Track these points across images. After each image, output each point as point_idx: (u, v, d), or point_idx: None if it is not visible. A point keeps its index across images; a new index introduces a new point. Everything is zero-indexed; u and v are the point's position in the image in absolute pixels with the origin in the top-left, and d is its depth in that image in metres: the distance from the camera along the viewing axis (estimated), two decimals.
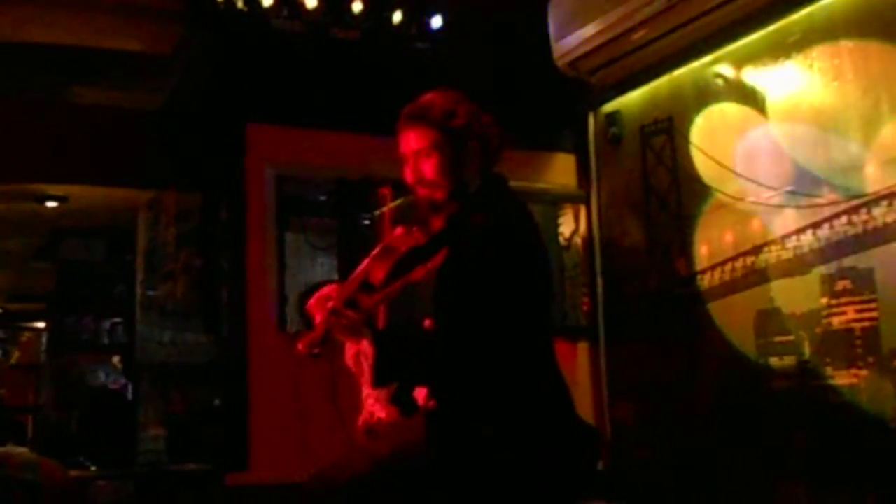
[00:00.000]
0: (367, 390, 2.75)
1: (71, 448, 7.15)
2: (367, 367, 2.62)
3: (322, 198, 6.75)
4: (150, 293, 7.78)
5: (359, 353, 2.64)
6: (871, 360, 4.81)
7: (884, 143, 4.82)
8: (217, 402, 6.17)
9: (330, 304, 2.65)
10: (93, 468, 6.37)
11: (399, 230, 2.75)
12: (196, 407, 6.74)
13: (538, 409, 2.63)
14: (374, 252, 2.70)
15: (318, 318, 2.67)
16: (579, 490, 2.67)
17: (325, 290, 2.72)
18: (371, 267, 2.68)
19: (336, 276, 6.57)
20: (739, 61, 5.67)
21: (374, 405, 2.78)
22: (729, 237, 5.68)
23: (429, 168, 2.74)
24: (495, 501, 2.54)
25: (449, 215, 2.74)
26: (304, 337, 2.67)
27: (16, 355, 10.67)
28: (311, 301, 2.70)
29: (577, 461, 2.66)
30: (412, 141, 2.77)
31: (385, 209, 3.05)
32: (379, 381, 2.65)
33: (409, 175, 2.79)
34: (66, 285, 8.69)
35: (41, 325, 9.70)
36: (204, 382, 6.55)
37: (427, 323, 2.66)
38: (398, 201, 2.96)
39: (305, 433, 5.59)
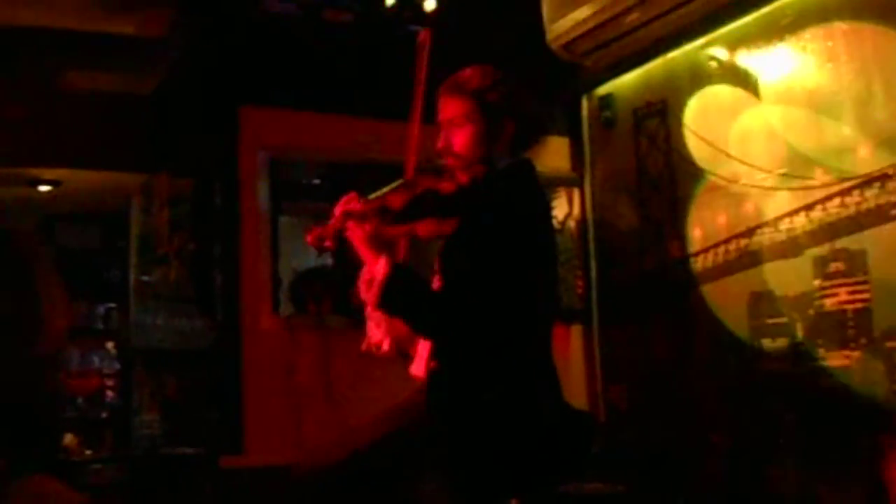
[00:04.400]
0: (369, 310, 2.74)
1: None
2: (375, 289, 2.60)
3: (316, 181, 6.75)
4: (144, 278, 7.77)
5: (372, 278, 2.62)
6: (863, 341, 4.82)
7: (876, 125, 4.83)
8: (211, 385, 6.18)
9: (352, 205, 2.64)
10: (88, 452, 6.39)
11: (428, 174, 2.78)
12: (190, 391, 6.75)
13: (538, 382, 2.65)
14: (396, 183, 2.73)
15: (338, 212, 2.65)
16: (575, 465, 2.68)
17: (348, 196, 2.69)
18: (391, 194, 2.69)
19: (330, 261, 6.58)
20: (733, 44, 5.67)
21: (373, 329, 2.78)
22: (722, 219, 5.69)
23: (459, 139, 2.76)
24: (492, 467, 2.55)
25: (472, 179, 2.74)
26: (315, 229, 2.66)
27: None
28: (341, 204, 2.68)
29: (574, 435, 2.68)
30: (447, 109, 2.79)
31: (423, 52, 3.00)
32: (383, 303, 2.61)
33: (440, 142, 2.80)
34: (59, 270, 8.67)
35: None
36: (198, 367, 6.55)
37: (435, 283, 2.68)
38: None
39: (299, 416, 5.63)
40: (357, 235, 2.61)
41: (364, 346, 2.82)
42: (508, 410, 2.57)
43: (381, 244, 2.62)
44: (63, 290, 1.96)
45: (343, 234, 2.63)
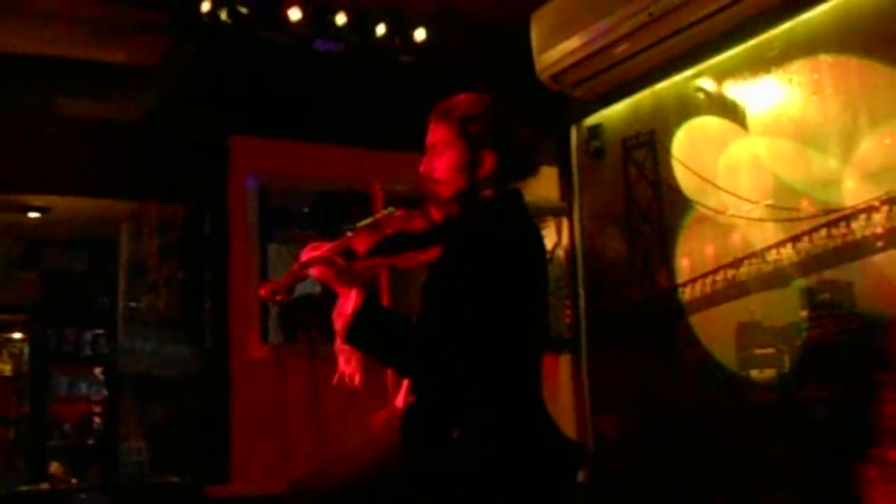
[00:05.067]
0: (338, 343, 2.71)
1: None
2: (342, 322, 2.57)
3: (305, 209, 6.75)
4: (133, 304, 7.75)
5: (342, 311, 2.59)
6: (850, 372, 4.84)
7: (863, 157, 4.86)
8: (199, 413, 6.16)
9: (311, 253, 2.62)
10: (73, 481, 6.35)
11: (399, 212, 2.74)
12: (178, 419, 6.72)
13: (521, 414, 2.62)
14: (363, 224, 2.69)
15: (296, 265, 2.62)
16: (561, 494, 2.64)
17: (310, 245, 2.66)
18: (356, 236, 2.67)
19: (318, 288, 6.57)
20: (720, 75, 5.71)
21: (342, 363, 2.75)
22: (710, 250, 5.71)
23: (439, 165, 2.72)
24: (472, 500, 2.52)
25: (447, 213, 2.73)
26: (269, 283, 2.62)
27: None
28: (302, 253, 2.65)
29: (550, 472, 2.64)
30: (431, 134, 2.77)
31: (377, 197, 3.03)
32: (351, 337, 2.57)
33: (422, 167, 2.78)
34: (47, 296, 8.64)
35: (19, 335, 9.64)
36: (186, 394, 6.53)
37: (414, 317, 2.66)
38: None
39: (287, 446, 5.61)
40: (325, 274, 2.59)
41: (336, 380, 2.79)
42: (488, 443, 2.53)
43: (354, 278, 2.59)
44: None
45: (306, 278, 2.61)
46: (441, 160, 2.72)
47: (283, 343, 6.24)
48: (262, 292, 2.61)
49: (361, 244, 2.64)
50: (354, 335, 2.56)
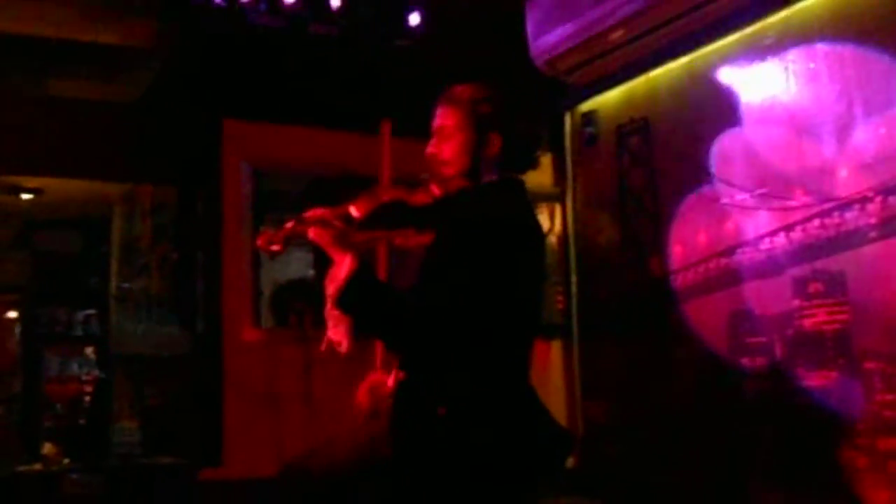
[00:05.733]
0: (328, 308, 2.73)
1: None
2: (335, 285, 2.58)
3: (298, 192, 6.74)
4: (125, 285, 7.75)
5: (335, 276, 2.59)
6: (841, 361, 4.86)
7: (857, 147, 4.86)
8: (191, 396, 6.17)
9: (318, 212, 2.64)
10: (65, 461, 6.34)
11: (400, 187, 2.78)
12: (170, 400, 6.73)
13: (500, 396, 2.63)
14: (364, 190, 2.71)
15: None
16: (536, 483, 2.66)
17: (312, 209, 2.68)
18: (354, 202, 2.67)
19: (311, 271, 6.58)
20: (715, 63, 5.70)
21: (332, 328, 2.76)
22: (703, 238, 5.72)
23: (447, 148, 2.76)
24: (464, 482, 2.54)
25: (448, 192, 2.76)
26: (265, 233, 2.65)
27: None
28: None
29: (536, 455, 2.66)
30: (438, 118, 2.80)
31: (384, 144, 3.01)
32: (341, 303, 2.58)
33: (428, 149, 2.81)
34: (39, 276, 8.64)
35: (12, 315, 9.66)
36: (178, 375, 6.54)
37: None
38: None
39: (279, 428, 5.62)
40: (322, 236, 2.60)
41: (323, 346, 2.80)
42: (463, 426, 2.55)
43: (350, 245, 2.60)
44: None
45: (304, 238, 2.63)
46: (449, 143, 2.76)
47: (275, 327, 6.24)
48: (259, 241, 2.64)
49: (359, 209, 2.65)
50: (345, 301, 2.58)
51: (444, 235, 2.66)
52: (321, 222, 2.61)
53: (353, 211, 2.65)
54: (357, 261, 2.57)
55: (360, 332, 2.71)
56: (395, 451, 2.63)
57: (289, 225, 2.63)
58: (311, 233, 2.61)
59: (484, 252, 2.56)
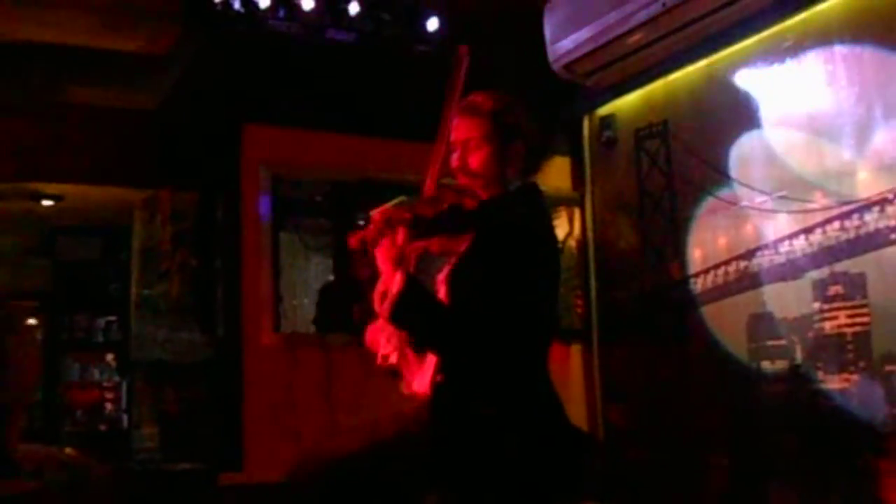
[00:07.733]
0: (381, 323, 2.77)
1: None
2: (388, 302, 2.64)
3: (318, 199, 6.77)
4: (146, 292, 7.78)
5: (386, 291, 2.65)
6: (862, 364, 4.84)
7: (876, 149, 4.85)
8: (211, 401, 6.18)
9: (390, 212, 2.69)
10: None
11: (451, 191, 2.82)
12: (190, 406, 6.75)
13: (538, 400, 2.68)
14: (418, 198, 2.76)
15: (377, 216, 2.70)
16: (573, 482, 2.70)
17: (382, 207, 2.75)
18: (421, 206, 2.73)
19: (331, 277, 6.60)
20: (734, 66, 5.70)
21: (385, 344, 2.82)
22: (722, 241, 5.71)
23: (475, 159, 2.81)
24: (491, 482, 2.58)
25: (482, 202, 2.80)
26: (360, 232, 2.70)
27: None
28: (380, 211, 2.72)
29: (573, 456, 2.71)
30: (463, 130, 2.83)
31: (460, 68, 2.97)
32: (394, 317, 2.64)
33: (454, 161, 2.85)
34: (60, 283, 8.69)
35: (33, 322, 9.72)
36: (198, 382, 6.56)
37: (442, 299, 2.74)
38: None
39: (299, 433, 5.63)
40: (384, 247, 2.67)
41: (379, 359, 2.87)
42: (510, 426, 2.61)
43: (401, 259, 2.67)
44: (35, 353, 2.05)
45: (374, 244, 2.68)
46: (476, 154, 2.82)
47: (294, 332, 6.26)
48: (353, 242, 2.71)
49: (428, 211, 2.72)
50: (399, 315, 2.64)
51: (480, 244, 2.72)
52: (397, 223, 2.67)
53: (424, 213, 2.70)
54: (407, 276, 2.64)
55: (414, 345, 2.81)
56: (435, 445, 2.70)
57: (373, 226, 2.68)
58: (399, 236, 2.66)
59: (523, 262, 2.65)
